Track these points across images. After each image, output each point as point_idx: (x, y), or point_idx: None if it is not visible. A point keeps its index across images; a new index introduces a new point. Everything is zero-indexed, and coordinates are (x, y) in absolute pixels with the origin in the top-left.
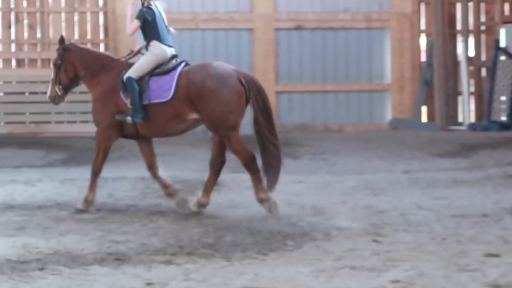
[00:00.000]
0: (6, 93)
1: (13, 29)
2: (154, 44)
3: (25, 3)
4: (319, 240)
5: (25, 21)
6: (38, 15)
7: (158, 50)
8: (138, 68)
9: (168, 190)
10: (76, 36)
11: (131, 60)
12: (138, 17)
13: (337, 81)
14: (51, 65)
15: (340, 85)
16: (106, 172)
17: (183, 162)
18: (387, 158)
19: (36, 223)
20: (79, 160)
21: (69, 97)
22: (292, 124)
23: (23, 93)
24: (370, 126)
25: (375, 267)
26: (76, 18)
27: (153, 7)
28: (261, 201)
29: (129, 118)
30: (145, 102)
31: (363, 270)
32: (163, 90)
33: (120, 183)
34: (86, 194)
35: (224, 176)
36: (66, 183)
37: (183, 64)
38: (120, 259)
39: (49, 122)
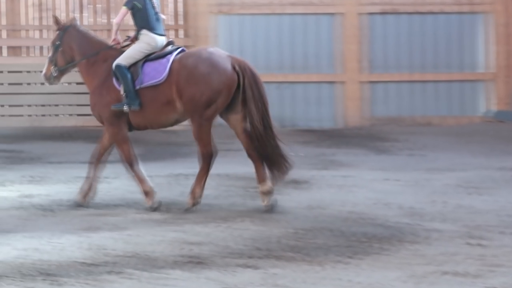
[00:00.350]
0: (71, 83)
1: (77, 15)
2: (145, 32)
3: None
4: (407, 243)
5: (93, 6)
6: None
7: (149, 39)
8: (128, 55)
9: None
10: None
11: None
12: (126, 4)
13: (425, 70)
14: (50, 44)
15: (431, 75)
16: (180, 168)
17: None
18: (481, 154)
19: (110, 223)
20: (157, 156)
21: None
22: (387, 116)
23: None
24: (461, 120)
25: (469, 272)
26: None
27: None
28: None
29: (125, 107)
30: (137, 86)
31: (456, 275)
32: (157, 72)
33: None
34: (141, 189)
35: (304, 172)
36: None
37: (179, 50)
38: (197, 262)
39: None
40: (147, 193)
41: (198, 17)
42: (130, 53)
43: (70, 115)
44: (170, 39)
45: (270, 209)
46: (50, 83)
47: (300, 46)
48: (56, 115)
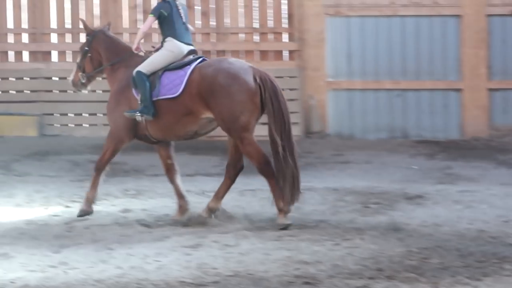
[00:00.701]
0: None
1: None
2: (169, 40)
3: None
4: None
5: (198, 8)
6: (212, 0)
7: (174, 47)
8: (150, 63)
9: (180, 202)
10: (257, 25)
11: None
12: (152, 12)
13: None
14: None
15: None
16: None
17: (380, 171)
18: None
19: (213, 240)
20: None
21: None
22: (507, 126)
23: None
24: None
25: None
26: (256, 4)
27: (171, 1)
28: (278, 210)
29: (138, 114)
30: (154, 98)
31: None
32: (174, 85)
33: (308, 195)
34: (86, 192)
35: (418, 186)
36: (246, 194)
37: (199, 60)
38: (309, 282)
39: None
40: (89, 199)
41: (304, 20)
42: (152, 61)
43: None
44: (193, 48)
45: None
46: (78, 90)
47: (412, 50)
48: None
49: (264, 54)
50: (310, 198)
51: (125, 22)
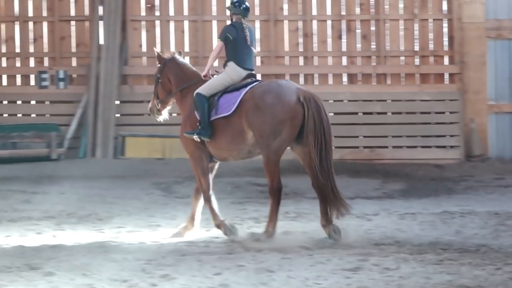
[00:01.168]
0: (336, 113)
1: (344, 40)
2: (230, 65)
3: (358, 10)
4: None
5: (358, 31)
6: (372, 23)
7: (233, 72)
8: (209, 85)
9: (189, 222)
10: (417, 47)
11: None
12: (220, 36)
13: None
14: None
15: None
16: (451, 205)
17: None
18: None
19: (373, 263)
20: (421, 192)
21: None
22: None
23: (356, 113)
24: None
25: None
26: (416, 26)
27: (237, 25)
28: (265, 230)
29: (196, 136)
30: (212, 117)
31: None
32: (229, 104)
33: (469, 219)
34: (214, 222)
35: None
36: (406, 218)
37: (256, 83)
38: None
39: (385, 147)
40: (219, 226)
41: (465, 42)
42: (212, 83)
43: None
44: (251, 72)
45: (334, 239)
46: (155, 117)
47: None
48: None
49: (424, 77)
50: (471, 222)
51: (286, 46)
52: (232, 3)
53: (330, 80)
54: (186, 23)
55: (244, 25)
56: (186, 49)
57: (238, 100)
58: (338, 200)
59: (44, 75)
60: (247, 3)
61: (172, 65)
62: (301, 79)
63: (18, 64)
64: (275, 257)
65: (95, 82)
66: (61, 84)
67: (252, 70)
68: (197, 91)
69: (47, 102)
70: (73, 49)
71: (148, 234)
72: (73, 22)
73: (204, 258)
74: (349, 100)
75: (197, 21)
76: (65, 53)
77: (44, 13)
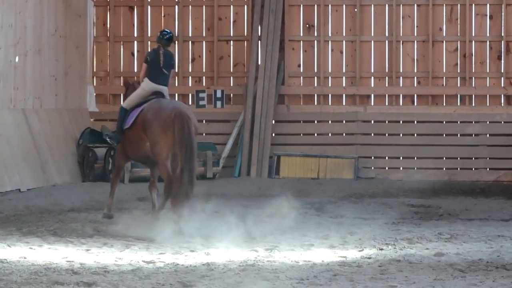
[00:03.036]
0: (492, 135)
1: (502, 61)
2: (145, 80)
3: None
4: None
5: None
6: None
7: (146, 85)
8: (129, 99)
9: (152, 208)
10: None
11: None
12: (144, 59)
13: None
14: None
15: None
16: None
17: None
18: None
19: None
20: None
21: None
22: None
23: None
24: None
25: None
26: None
27: (156, 50)
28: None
29: (108, 139)
30: (124, 127)
31: None
32: (131, 118)
33: None
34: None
35: None
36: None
37: (154, 100)
38: None
39: None
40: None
41: None
42: (131, 98)
43: (487, 169)
44: (159, 89)
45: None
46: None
47: None
48: (471, 168)
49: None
50: None
51: (444, 67)
52: (160, 33)
53: (488, 102)
54: (344, 43)
55: (161, 51)
56: (343, 69)
57: (136, 115)
58: (186, 200)
59: (202, 94)
60: (170, 35)
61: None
62: (458, 100)
63: (176, 83)
64: (428, 278)
65: (252, 102)
66: (218, 103)
67: (164, 86)
68: (121, 105)
69: (204, 121)
70: (231, 69)
71: (301, 253)
72: (231, 42)
73: (356, 278)
74: (506, 122)
75: (355, 41)
76: (223, 72)
77: (204, 33)
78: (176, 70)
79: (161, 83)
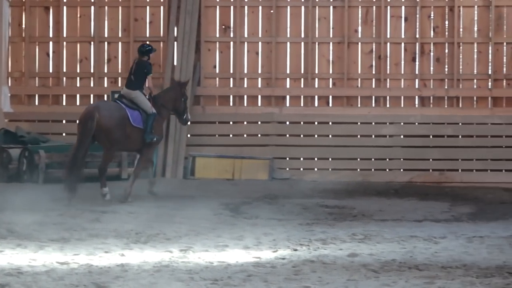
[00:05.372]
0: (407, 136)
1: (417, 62)
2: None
3: (432, 33)
4: None
5: (432, 54)
6: (446, 46)
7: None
8: None
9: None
10: (490, 71)
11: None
12: None
13: None
14: None
15: None
16: None
17: None
18: None
19: (439, 286)
20: (489, 215)
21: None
22: None
23: (427, 136)
24: None
25: None
26: (490, 50)
27: (134, 60)
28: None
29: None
30: None
31: None
32: None
33: None
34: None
35: None
36: (474, 241)
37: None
38: None
39: (455, 170)
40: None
41: None
42: None
43: (401, 170)
44: (123, 93)
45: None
46: None
47: None
48: (385, 169)
49: (497, 100)
50: None
51: (359, 68)
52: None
53: (402, 103)
54: (260, 45)
55: (136, 61)
56: (259, 70)
57: None
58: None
59: (117, 95)
60: (143, 48)
61: None
62: (373, 102)
63: (92, 84)
64: (341, 279)
65: None
66: None
67: (132, 89)
68: None
69: None
70: None
71: (216, 254)
72: (147, 43)
73: (270, 279)
74: (420, 123)
75: (271, 42)
76: None
77: (120, 34)
78: (151, 74)
79: (129, 88)
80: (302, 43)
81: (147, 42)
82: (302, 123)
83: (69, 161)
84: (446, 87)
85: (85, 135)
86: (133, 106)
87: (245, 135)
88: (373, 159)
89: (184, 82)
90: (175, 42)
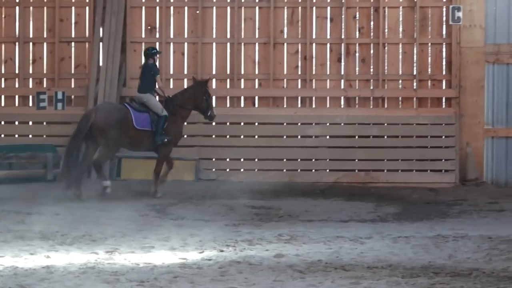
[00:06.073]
0: (333, 136)
1: (343, 63)
2: None
3: (357, 34)
4: None
5: (357, 54)
6: (372, 46)
7: None
8: None
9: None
10: (415, 71)
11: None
12: None
13: None
14: None
15: None
16: (445, 229)
17: None
18: None
19: (364, 286)
20: (415, 215)
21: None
22: None
23: (353, 136)
24: None
25: None
26: (415, 50)
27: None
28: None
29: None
30: None
31: None
32: None
33: (462, 243)
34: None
35: None
36: (400, 241)
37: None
38: None
39: (381, 171)
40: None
41: (463, 67)
42: None
43: (327, 170)
44: (133, 96)
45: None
46: None
47: None
48: (311, 170)
49: (422, 101)
50: (463, 246)
51: (285, 69)
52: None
53: (328, 103)
54: (186, 45)
55: (143, 65)
56: (186, 71)
57: None
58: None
59: (42, 96)
60: (148, 51)
61: None
62: (299, 102)
63: (17, 85)
64: (268, 280)
65: (93, 104)
66: (59, 105)
67: (140, 93)
68: None
69: (44, 123)
70: (72, 70)
71: (142, 255)
72: (73, 44)
73: (196, 280)
74: (346, 124)
75: (197, 43)
76: (64, 74)
77: (45, 34)
78: (160, 76)
79: (139, 92)
80: (228, 44)
81: (151, 46)
82: (228, 123)
83: (64, 158)
84: (371, 88)
85: (78, 132)
86: (142, 109)
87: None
88: (299, 160)
89: (204, 80)
90: (101, 43)
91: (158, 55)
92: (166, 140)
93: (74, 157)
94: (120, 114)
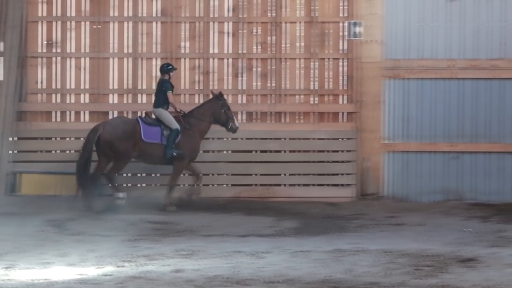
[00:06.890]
0: (233, 151)
1: (243, 78)
2: None
3: (256, 49)
4: None
5: (257, 69)
6: (271, 62)
7: None
8: None
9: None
10: (315, 87)
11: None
12: None
13: None
14: None
15: None
16: (344, 243)
17: (434, 233)
18: None
19: None
20: (314, 230)
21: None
22: None
23: (251, 151)
24: None
25: None
26: (314, 65)
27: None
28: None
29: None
30: None
31: None
32: None
33: (360, 257)
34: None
35: (472, 249)
36: (299, 256)
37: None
38: None
39: (279, 185)
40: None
41: (362, 82)
42: None
43: (227, 185)
44: (150, 111)
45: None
46: None
47: (469, 113)
48: (212, 184)
49: (321, 115)
50: (362, 260)
51: (185, 83)
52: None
53: None
54: (85, 60)
55: (158, 80)
56: (84, 86)
57: None
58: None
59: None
60: (165, 66)
61: None
62: None
63: None
64: None
65: None
66: None
67: (155, 108)
68: None
69: None
70: None
71: (39, 271)
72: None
73: None
74: (247, 138)
75: (96, 58)
76: None
77: None
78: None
79: (154, 106)
80: (128, 59)
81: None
82: None
83: (76, 172)
84: (272, 102)
85: (86, 145)
86: (155, 123)
87: (71, 151)
88: (200, 175)
89: (220, 94)
90: (2, 58)
91: (173, 72)
92: (175, 154)
93: (84, 168)
94: (128, 127)
